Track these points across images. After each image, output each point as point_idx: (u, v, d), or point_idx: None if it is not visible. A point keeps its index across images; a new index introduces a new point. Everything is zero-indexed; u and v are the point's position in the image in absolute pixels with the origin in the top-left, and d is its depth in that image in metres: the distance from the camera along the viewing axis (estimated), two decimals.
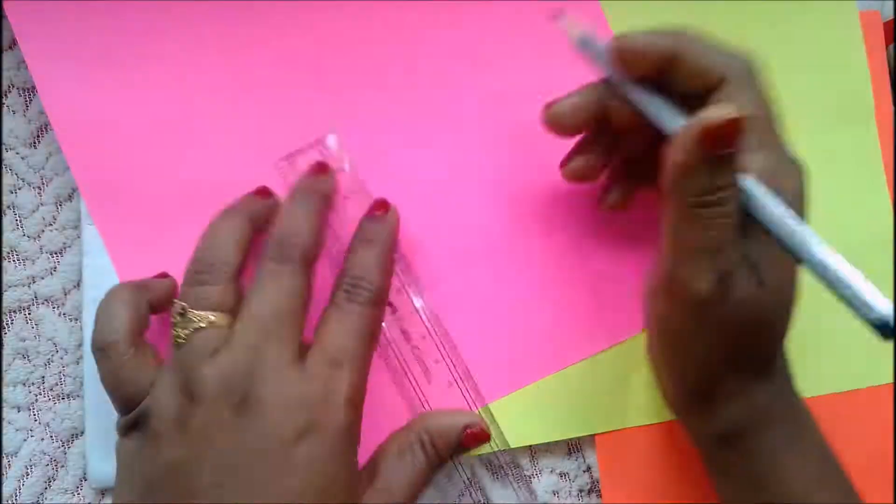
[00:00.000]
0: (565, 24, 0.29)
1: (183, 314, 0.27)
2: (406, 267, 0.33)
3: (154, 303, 0.30)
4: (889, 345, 0.34)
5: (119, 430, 0.28)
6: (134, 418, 0.27)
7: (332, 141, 0.33)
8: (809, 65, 0.35)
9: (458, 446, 0.30)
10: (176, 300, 0.27)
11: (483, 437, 0.31)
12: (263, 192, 0.31)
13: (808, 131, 0.35)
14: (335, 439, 0.26)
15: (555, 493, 0.34)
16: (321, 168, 0.31)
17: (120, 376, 0.27)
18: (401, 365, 0.32)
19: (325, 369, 0.27)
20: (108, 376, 0.28)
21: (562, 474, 0.34)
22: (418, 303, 0.32)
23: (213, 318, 0.27)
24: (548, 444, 0.34)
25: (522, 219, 0.34)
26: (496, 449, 0.32)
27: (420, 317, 0.32)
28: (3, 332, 0.33)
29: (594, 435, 0.34)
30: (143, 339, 0.29)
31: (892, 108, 0.36)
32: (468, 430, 0.30)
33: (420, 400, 0.32)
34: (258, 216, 0.30)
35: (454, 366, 0.32)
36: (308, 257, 0.28)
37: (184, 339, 0.27)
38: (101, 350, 0.28)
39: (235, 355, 0.26)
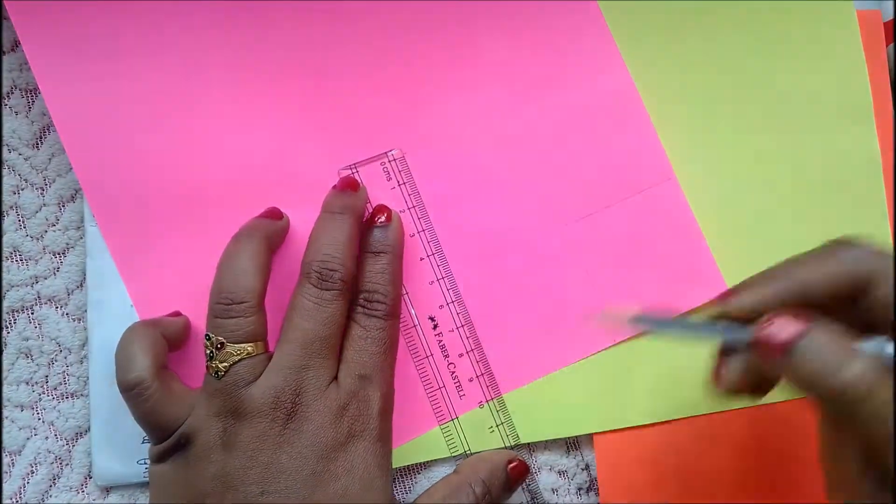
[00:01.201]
0: (609, 317, 0.32)
1: (220, 348, 0.28)
2: (443, 260, 0.33)
3: (167, 339, 0.30)
4: None
5: (152, 457, 0.29)
6: (172, 444, 0.28)
7: (396, 154, 0.33)
8: (808, 65, 0.35)
9: (508, 484, 0.31)
10: (211, 334, 0.28)
11: (526, 469, 0.32)
12: (275, 214, 0.32)
13: (807, 131, 0.35)
14: (371, 447, 0.29)
15: (553, 490, 0.34)
16: (351, 184, 0.31)
17: (151, 411, 0.28)
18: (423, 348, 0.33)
19: (356, 384, 0.29)
20: (140, 413, 0.28)
21: (560, 472, 0.34)
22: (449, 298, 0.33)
23: (249, 349, 0.28)
24: (546, 441, 0.34)
25: (526, 217, 0.34)
26: (509, 445, 0.33)
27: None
28: (5, 332, 0.34)
29: (592, 433, 0.34)
30: (166, 370, 0.29)
31: (892, 108, 0.36)
32: (511, 466, 0.32)
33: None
34: (273, 238, 0.31)
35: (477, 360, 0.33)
36: (347, 281, 0.29)
37: (223, 371, 0.28)
38: (128, 390, 0.28)
39: (282, 376, 0.28)
